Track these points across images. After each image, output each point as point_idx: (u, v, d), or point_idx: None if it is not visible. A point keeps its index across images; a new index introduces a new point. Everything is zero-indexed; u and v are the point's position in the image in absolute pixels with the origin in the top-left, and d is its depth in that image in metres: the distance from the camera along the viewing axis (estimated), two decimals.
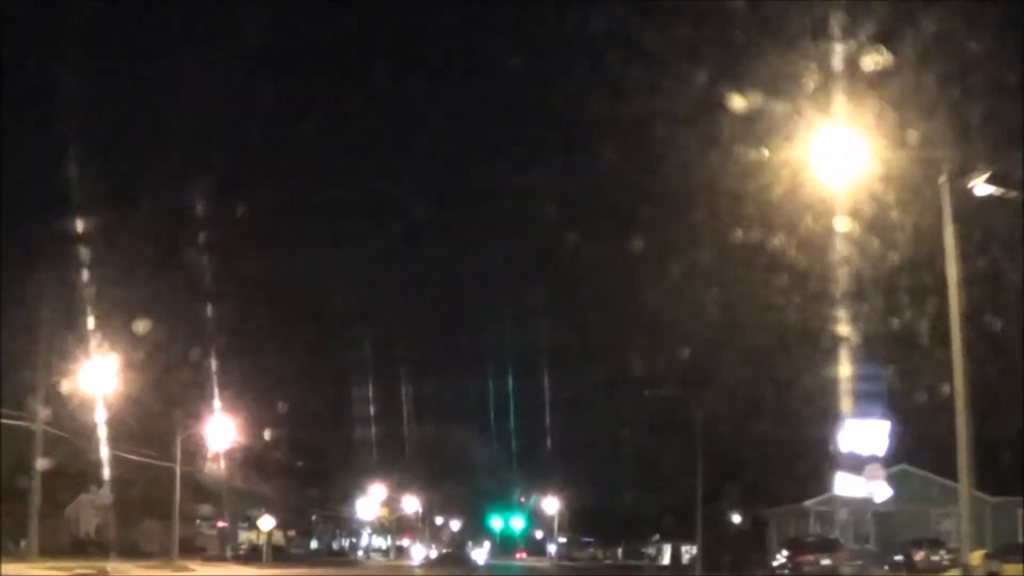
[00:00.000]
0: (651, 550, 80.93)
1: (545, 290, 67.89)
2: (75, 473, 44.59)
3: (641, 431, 67.81)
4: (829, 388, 37.58)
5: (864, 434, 36.13)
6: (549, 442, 74.72)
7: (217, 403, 45.63)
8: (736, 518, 60.34)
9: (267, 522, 53.36)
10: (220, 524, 62.24)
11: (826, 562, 34.98)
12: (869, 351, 33.43)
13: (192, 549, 51.90)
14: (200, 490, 54.44)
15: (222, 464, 52.33)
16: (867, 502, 37.70)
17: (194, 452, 48.19)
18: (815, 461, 43.61)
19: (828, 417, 41.48)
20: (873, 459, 34.19)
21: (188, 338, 43.94)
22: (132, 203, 43.44)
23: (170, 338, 41.65)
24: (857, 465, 35.86)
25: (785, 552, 38.28)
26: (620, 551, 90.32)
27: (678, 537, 72.61)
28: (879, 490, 35.82)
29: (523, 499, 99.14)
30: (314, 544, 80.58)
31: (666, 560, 74.52)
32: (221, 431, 46.63)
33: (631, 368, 54.31)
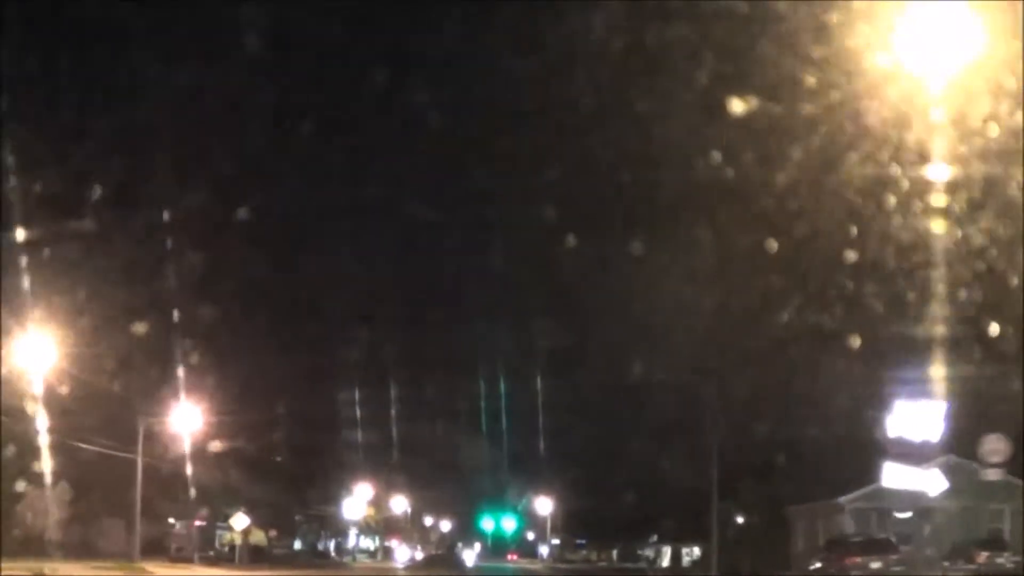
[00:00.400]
0: (649, 552, 75.76)
1: (544, 291, 63.07)
2: (30, 467, 38.83)
3: (640, 431, 64.51)
4: (860, 373, 33.18)
5: (916, 417, 30.09)
6: (543, 442, 68.73)
7: (195, 396, 42.10)
8: (741, 519, 54.92)
9: (241, 521, 48.66)
10: (198, 523, 57.38)
11: (876, 565, 28.85)
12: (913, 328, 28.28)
13: (161, 549, 47.65)
14: (175, 487, 49.09)
15: (190, 460, 47.11)
16: (918, 496, 31.87)
17: (167, 446, 44.34)
18: (847, 454, 38.03)
19: (857, 406, 36.82)
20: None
21: (177, 336, 40.42)
22: (118, 200, 39.53)
23: (153, 334, 38.80)
24: (908, 453, 30.02)
25: (826, 554, 32.10)
26: (615, 553, 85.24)
27: (678, 539, 68.16)
28: (934, 482, 30.03)
29: (516, 500, 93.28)
30: (298, 544, 74.93)
31: (666, 562, 68.83)
32: (189, 421, 42.30)
33: (630, 367, 51.26)
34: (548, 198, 36.67)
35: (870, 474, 36.04)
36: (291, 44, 44.34)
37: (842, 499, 36.93)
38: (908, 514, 36.16)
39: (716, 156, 22.72)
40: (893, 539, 31.10)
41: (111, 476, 42.20)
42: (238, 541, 53.50)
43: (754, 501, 45.66)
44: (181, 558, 45.41)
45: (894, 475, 30.57)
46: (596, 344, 60.67)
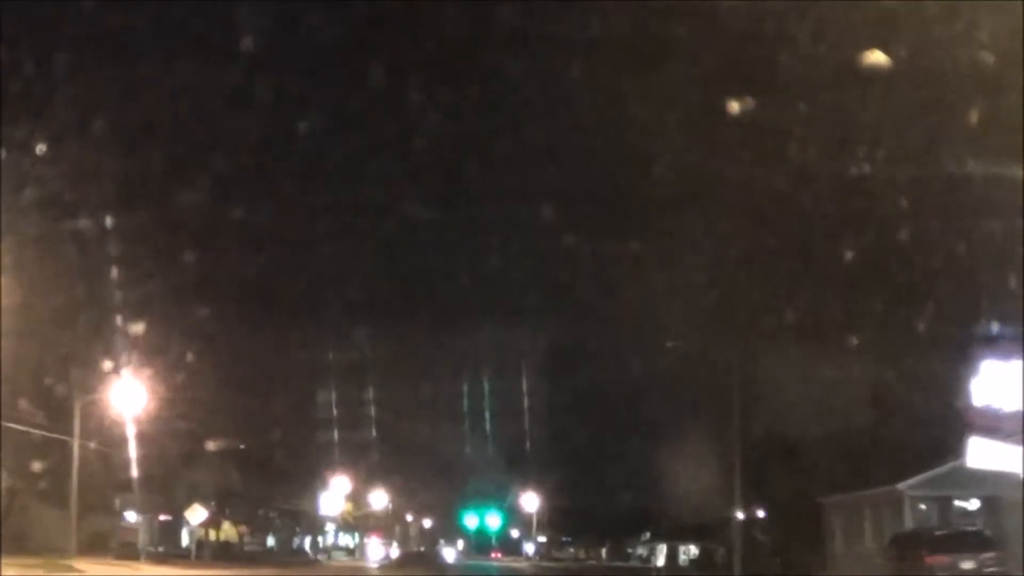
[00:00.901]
0: (641, 550, 69.63)
1: (536, 288, 59.46)
2: None
3: (634, 428, 62.84)
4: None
5: (1006, 381, 23.50)
6: (529, 439, 64.24)
7: (160, 386, 38.15)
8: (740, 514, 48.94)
9: (198, 514, 42.57)
10: (162, 517, 50.83)
11: (968, 565, 22.12)
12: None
13: (107, 546, 41.32)
14: (131, 480, 42.64)
15: (156, 453, 41.26)
16: (993, 482, 25.24)
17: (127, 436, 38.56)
18: (893, 438, 31.63)
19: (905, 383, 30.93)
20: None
21: (139, 321, 36.12)
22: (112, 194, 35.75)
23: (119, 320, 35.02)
24: (993, 426, 23.41)
25: (897, 551, 25.20)
26: (604, 551, 79.73)
27: (674, 537, 62.08)
28: None
29: (501, 496, 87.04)
30: (271, 542, 68.20)
31: (661, 561, 62.48)
32: (142, 407, 37.15)
33: (623, 364, 51.63)
34: (542, 195, 35.40)
35: (933, 456, 29.36)
36: (287, 42, 42.38)
37: (901, 485, 29.75)
38: (976, 503, 29.46)
39: (716, 154, 22.50)
40: (987, 532, 24.34)
41: (57, 465, 36.68)
42: (206, 537, 49.10)
43: (780, 493, 38.93)
44: (126, 555, 38.45)
45: (982, 452, 23.80)
46: (587, 341, 58.06)
